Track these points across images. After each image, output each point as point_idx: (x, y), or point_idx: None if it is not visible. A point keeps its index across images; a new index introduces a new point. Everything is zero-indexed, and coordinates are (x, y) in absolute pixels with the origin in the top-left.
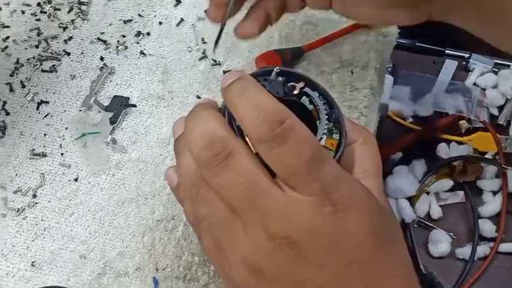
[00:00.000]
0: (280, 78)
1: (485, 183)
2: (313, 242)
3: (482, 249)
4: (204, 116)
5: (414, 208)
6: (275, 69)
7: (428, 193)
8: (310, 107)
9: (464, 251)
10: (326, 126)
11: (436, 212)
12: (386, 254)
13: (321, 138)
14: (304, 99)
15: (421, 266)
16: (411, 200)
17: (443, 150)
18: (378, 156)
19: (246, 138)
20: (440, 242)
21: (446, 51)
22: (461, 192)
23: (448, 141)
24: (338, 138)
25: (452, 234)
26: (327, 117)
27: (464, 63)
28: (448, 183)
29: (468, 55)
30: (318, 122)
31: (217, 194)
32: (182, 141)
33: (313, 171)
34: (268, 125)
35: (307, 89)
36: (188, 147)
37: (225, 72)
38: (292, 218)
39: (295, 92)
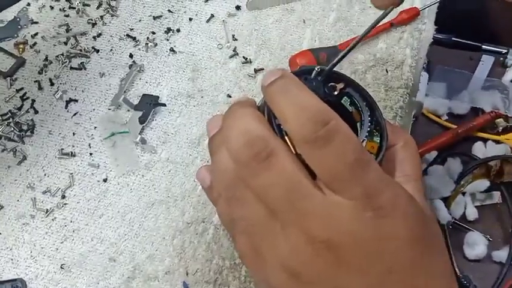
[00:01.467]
0: (320, 78)
1: None
2: (353, 247)
3: None
4: (244, 114)
5: (449, 209)
6: (316, 69)
7: (464, 194)
8: (351, 108)
9: (501, 254)
10: (367, 129)
11: (472, 214)
12: (427, 262)
13: (362, 141)
14: (345, 100)
15: (456, 269)
16: (447, 200)
17: (480, 149)
18: (418, 159)
19: (286, 138)
20: (476, 245)
21: (483, 46)
22: (498, 193)
23: (485, 140)
24: (378, 141)
25: (488, 236)
26: (368, 119)
27: (501, 59)
28: (484, 183)
29: (505, 50)
30: (358, 124)
31: (255, 195)
32: (218, 139)
33: (356, 175)
34: (312, 126)
35: (348, 90)
36: (226, 145)
37: (256, 70)
38: (333, 222)
39: (336, 93)
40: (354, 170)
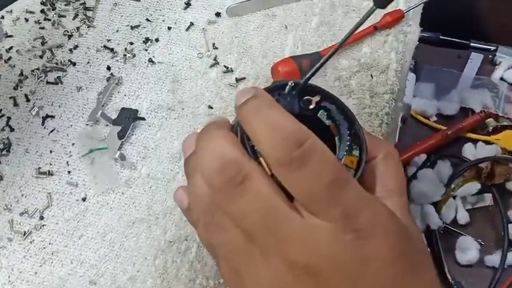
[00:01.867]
0: (295, 92)
1: None
2: (335, 272)
3: None
4: (216, 137)
5: (440, 214)
6: (289, 83)
7: (454, 197)
8: (328, 122)
9: (494, 258)
10: (345, 143)
11: (463, 217)
12: (409, 280)
13: (341, 157)
14: (322, 114)
15: (448, 276)
16: (437, 205)
17: (470, 151)
18: (401, 171)
19: (261, 159)
20: (468, 249)
21: (472, 44)
22: (489, 195)
23: (475, 141)
24: (357, 154)
25: (480, 240)
26: (347, 132)
27: (490, 56)
28: (475, 186)
29: (494, 47)
30: (336, 138)
31: (232, 221)
32: (192, 161)
33: (334, 196)
34: (286, 147)
35: (324, 103)
36: (199, 170)
37: (237, 79)
38: (312, 246)
39: (312, 107)
40: (332, 191)
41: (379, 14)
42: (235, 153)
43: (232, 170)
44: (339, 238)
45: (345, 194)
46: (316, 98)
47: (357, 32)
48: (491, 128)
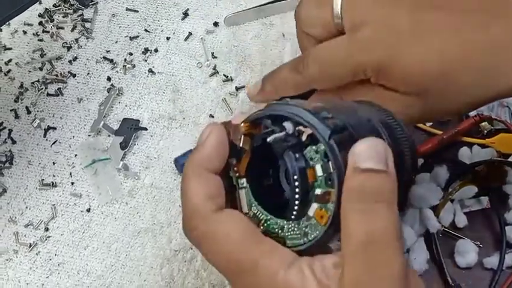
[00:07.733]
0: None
1: (510, 187)
2: None
3: (511, 258)
4: (188, 183)
5: (438, 217)
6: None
7: (452, 201)
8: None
9: (492, 261)
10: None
11: (461, 221)
12: None
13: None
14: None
15: (449, 279)
16: (436, 208)
17: (466, 155)
18: None
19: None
20: (467, 253)
21: None
22: (486, 198)
23: (470, 145)
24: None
25: (478, 243)
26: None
27: None
28: (472, 189)
29: None
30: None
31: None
32: None
33: None
34: None
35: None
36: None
37: (237, 88)
38: None
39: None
40: None
41: None
42: (202, 206)
43: (195, 222)
44: None
45: None
46: (308, 131)
47: None
48: (485, 131)
